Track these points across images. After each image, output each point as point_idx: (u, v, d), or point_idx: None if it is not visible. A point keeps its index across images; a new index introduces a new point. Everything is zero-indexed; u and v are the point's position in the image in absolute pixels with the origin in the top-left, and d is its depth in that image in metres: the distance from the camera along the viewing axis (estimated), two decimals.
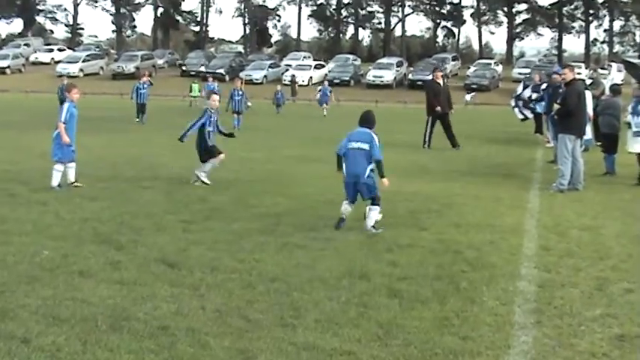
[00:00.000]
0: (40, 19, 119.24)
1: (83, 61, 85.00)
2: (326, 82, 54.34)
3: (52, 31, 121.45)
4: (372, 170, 12.01)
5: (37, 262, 9.49)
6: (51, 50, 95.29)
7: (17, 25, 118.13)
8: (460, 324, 7.45)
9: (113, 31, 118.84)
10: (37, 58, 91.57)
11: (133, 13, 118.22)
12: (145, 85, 37.40)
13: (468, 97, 59.65)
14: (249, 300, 8.08)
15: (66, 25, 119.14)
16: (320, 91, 51.24)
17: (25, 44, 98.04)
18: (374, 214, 11.90)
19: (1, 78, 79.05)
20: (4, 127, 30.63)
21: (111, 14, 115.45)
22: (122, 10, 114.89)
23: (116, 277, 8.85)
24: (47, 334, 6.89)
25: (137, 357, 6.45)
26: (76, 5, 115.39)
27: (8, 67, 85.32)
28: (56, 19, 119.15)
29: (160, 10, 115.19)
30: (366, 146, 11.99)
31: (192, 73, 78.82)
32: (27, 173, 16.96)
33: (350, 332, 7.13)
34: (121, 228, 11.65)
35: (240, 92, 35.30)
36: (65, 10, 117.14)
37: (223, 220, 12.40)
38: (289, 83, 66.69)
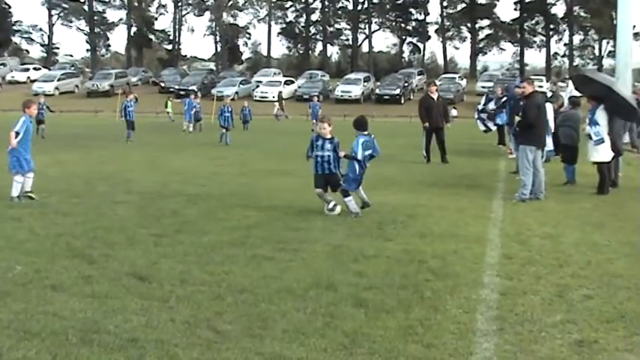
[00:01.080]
0: (16, 39, 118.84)
1: (58, 80, 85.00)
2: (315, 98, 52.98)
3: (27, 51, 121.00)
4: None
5: (9, 278, 9.35)
6: (27, 69, 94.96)
7: None
8: (424, 332, 7.39)
9: (88, 50, 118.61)
10: (13, 77, 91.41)
11: (107, 33, 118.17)
12: (132, 103, 36.68)
13: (454, 112, 59.14)
14: (218, 311, 7.99)
15: (41, 45, 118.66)
16: (310, 107, 50.68)
17: (1, 64, 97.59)
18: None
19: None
20: None
21: (85, 34, 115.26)
22: (96, 30, 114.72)
23: (88, 291, 8.74)
24: (18, 349, 6.78)
25: None
26: (51, 25, 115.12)
27: None
28: (32, 39, 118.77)
29: (134, 29, 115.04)
30: (370, 151, 14.49)
31: (172, 89, 78.79)
32: (2, 190, 16.75)
33: (316, 342, 7.06)
34: (94, 242, 11.53)
35: (230, 109, 36.48)
36: (41, 30, 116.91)
37: (194, 233, 12.30)
38: (277, 99, 67.07)
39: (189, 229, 12.67)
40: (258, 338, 7.16)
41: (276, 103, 62.62)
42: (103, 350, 6.77)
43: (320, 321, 7.69)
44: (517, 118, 17.21)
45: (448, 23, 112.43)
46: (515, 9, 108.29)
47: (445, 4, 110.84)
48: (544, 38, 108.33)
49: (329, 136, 14.39)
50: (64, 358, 6.58)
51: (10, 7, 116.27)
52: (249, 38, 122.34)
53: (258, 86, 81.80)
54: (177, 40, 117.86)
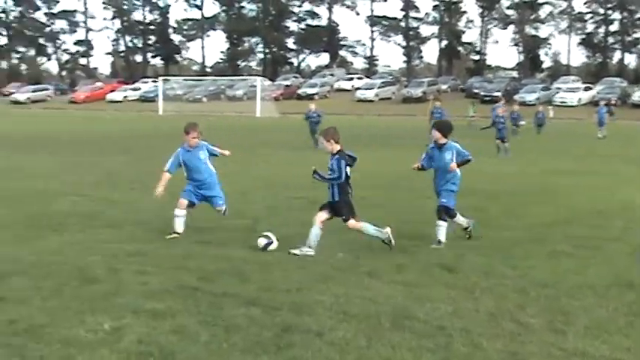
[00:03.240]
0: (342, 52, 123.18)
1: (378, 88, 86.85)
2: (602, 103, 46.87)
3: (352, 63, 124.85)
4: None
5: (330, 263, 9.42)
6: (351, 79, 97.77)
7: (324, 58, 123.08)
8: None
9: (404, 62, 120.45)
10: (339, 85, 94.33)
11: (421, 46, 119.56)
12: (440, 110, 34.53)
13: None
14: (521, 304, 7.53)
15: (364, 57, 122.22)
16: (597, 112, 43.38)
17: (330, 74, 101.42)
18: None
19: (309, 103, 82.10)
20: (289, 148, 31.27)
21: (402, 47, 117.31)
22: (411, 44, 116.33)
23: (399, 279, 8.58)
24: (338, 329, 6.71)
25: (416, 355, 6.09)
26: (372, 40, 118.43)
27: (317, 93, 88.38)
28: (356, 53, 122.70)
29: (444, 42, 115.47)
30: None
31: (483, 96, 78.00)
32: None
33: (620, 340, 6.42)
34: (405, 233, 11.25)
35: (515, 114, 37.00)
36: (363, 44, 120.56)
37: (495, 228, 11.83)
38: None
39: (491, 224, 12.17)
40: (560, 333, 6.65)
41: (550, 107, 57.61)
42: (413, 336, 6.54)
43: (622, 320, 7.03)
44: None
45: None
46: None
47: None
48: None
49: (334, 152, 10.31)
50: (377, 341, 6.41)
51: (338, 25, 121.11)
52: (549, 48, 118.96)
53: (557, 92, 79.08)
54: (483, 51, 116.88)
